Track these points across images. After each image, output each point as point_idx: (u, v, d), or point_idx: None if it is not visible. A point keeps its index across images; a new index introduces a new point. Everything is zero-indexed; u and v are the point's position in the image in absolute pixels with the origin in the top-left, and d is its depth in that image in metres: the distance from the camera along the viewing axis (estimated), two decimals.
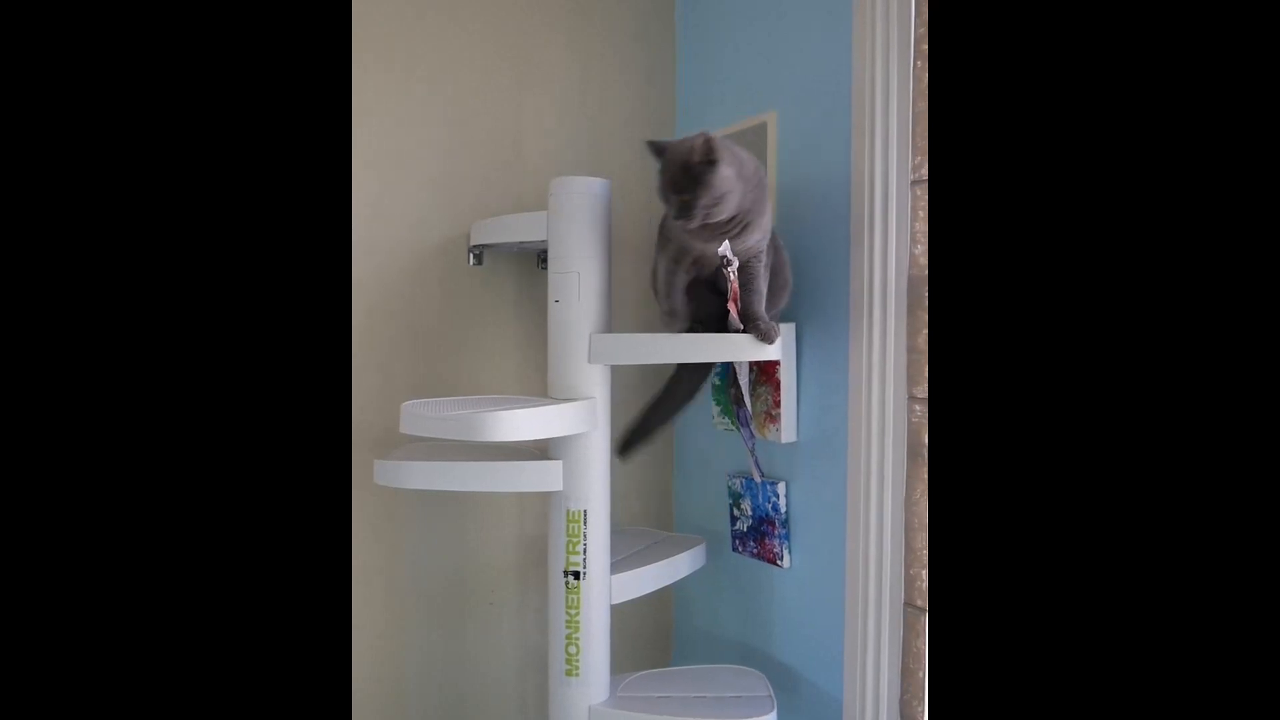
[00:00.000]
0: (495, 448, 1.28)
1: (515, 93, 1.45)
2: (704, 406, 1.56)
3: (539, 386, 1.33)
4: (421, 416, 1.05)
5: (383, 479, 1.16)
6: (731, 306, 1.14)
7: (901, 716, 1.18)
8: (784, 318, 1.34)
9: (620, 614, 1.28)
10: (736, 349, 1.10)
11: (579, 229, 1.15)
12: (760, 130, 1.38)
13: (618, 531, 1.32)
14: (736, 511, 1.45)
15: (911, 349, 1.14)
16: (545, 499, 1.52)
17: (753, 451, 1.33)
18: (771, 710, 1.19)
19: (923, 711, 1.16)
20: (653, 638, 1.68)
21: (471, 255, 1.40)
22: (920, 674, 1.16)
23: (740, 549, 1.45)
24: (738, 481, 1.44)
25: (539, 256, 1.45)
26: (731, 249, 1.03)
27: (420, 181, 1.36)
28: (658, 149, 1.05)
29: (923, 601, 1.15)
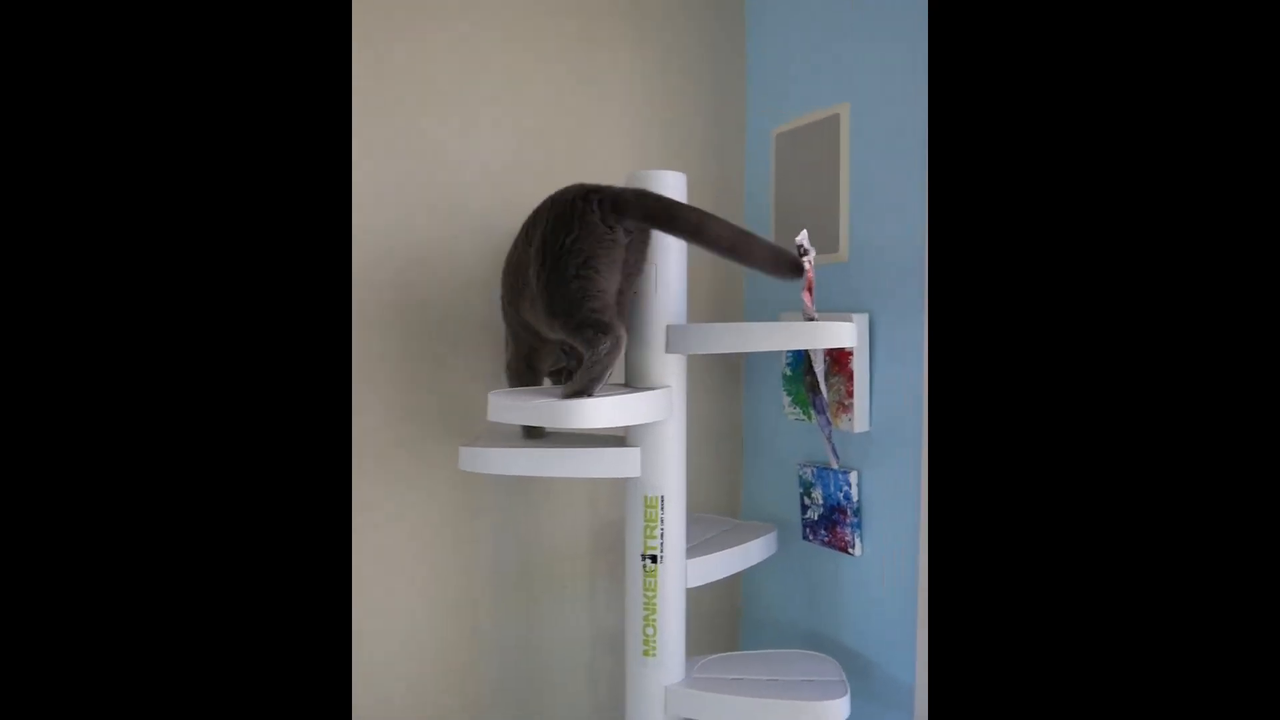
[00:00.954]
0: (569, 435, 1.32)
1: (583, 87, 1.48)
2: (775, 396, 1.58)
3: (614, 376, 1.37)
4: (508, 405, 1.08)
5: (467, 465, 1.21)
6: (806, 296, 1.16)
7: None
8: (856, 308, 1.35)
9: (689, 600, 1.31)
10: (814, 337, 1.12)
11: None
12: (832, 122, 1.39)
13: (689, 518, 1.35)
14: (807, 500, 1.47)
15: None
16: (618, 486, 1.56)
17: (829, 439, 1.34)
18: (845, 694, 1.21)
19: None
20: (720, 623, 1.71)
21: None
22: None
23: (810, 537, 1.47)
24: (809, 470, 1.45)
25: None
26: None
27: (491, 178, 1.40)
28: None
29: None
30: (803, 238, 1.06)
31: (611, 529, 1.56)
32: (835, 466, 1.38)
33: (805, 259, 1.07)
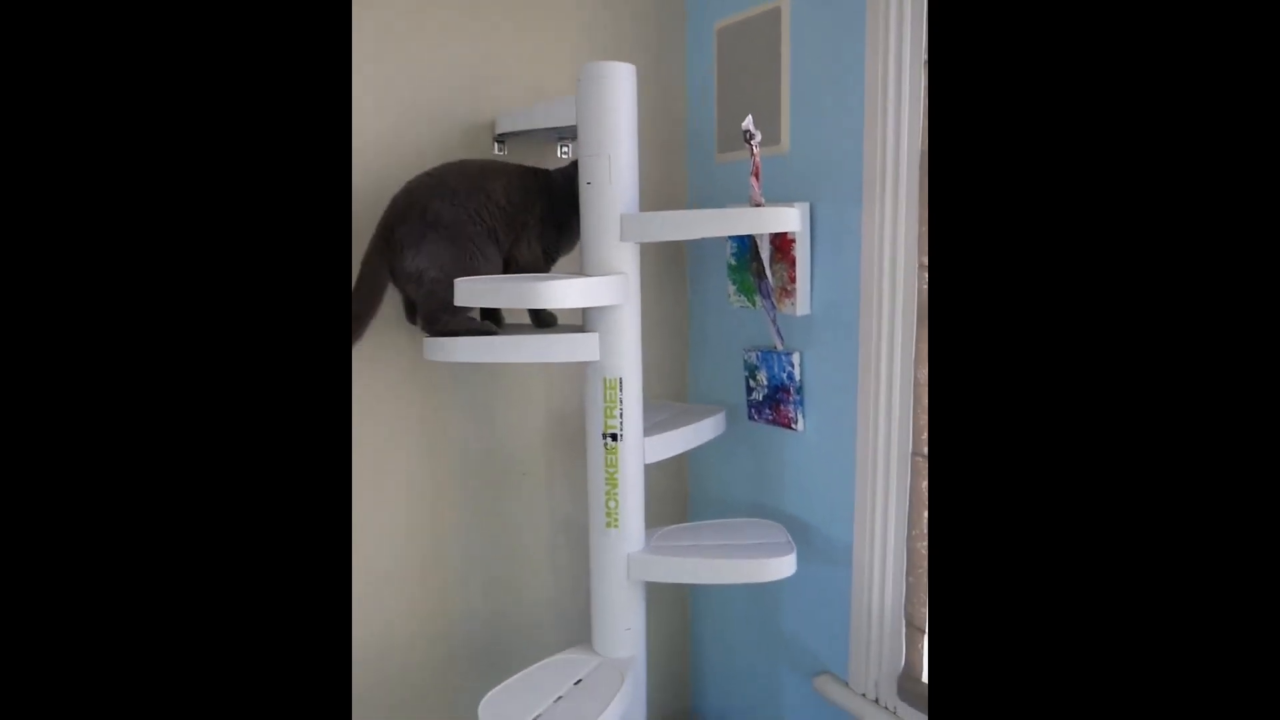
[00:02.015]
0: (528, 325, 1.37)
1: None
2: (720, 285, 1.65)
3: (568, 268, 1.41)
4: (476, 290, 1.13)
5: (433, 355, 1.25)
6: (754, 181, 1.22)
7: (909, 552, 1.32)
8: (799, 198, 1.42)
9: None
10: (762, 222, 1.19)
11: (610, 113, 1.21)
12: (773, 15, 1.43)
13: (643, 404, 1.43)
14: (752, 383, 1.56)
15: (922, 220, 1.23)
16: (571, 378, 1.63)
17: (774, 321, 1.43)
18: (791, 553, 1.33)
19: (926, 547, 1.30)
20: (670, 501, 1.82)
21: (496, 144, 1.46)
22: (925, 513, 1.30)
23: (756, 417, 1.57)
24: (753, 354, 1.54)
25: (559, 141, 1.52)
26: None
27: (445, 78, 1.40)
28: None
29: (927, 450, 1.28)
30: (748, 123, 1.11)
31: (567, 418, 1.63)
32: (780, 348, 1.47)
33: (751, 143, 1.12)
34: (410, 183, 1.25)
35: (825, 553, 1.47)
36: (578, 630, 1.70)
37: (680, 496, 1.85)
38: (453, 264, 1.22)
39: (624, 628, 1.35)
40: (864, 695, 1.41)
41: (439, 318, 1.24)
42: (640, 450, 1.33)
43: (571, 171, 1.32)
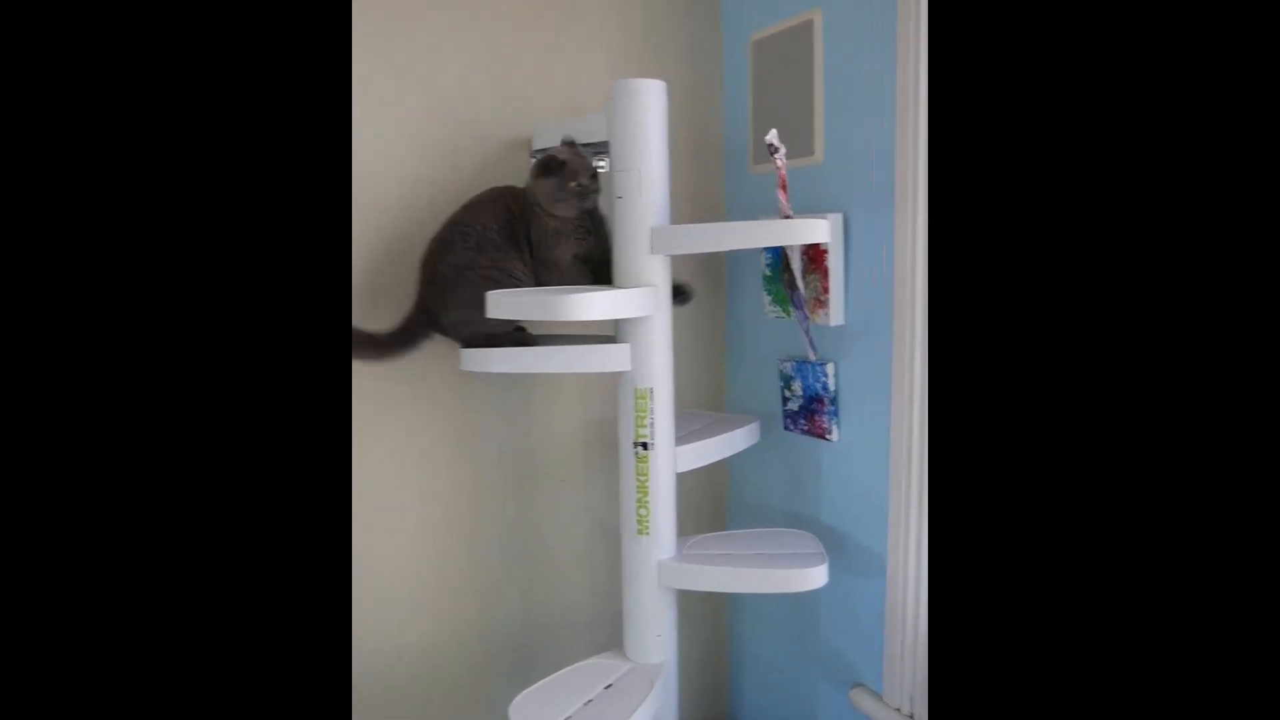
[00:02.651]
0: (561, 336, 1.40)
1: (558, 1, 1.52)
2: (756, 296, 1.66)
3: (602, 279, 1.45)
4: (507, 302, 1.16)
5: (469, 365, 1.29)
6: (780, 194, 1.23)
7: None
8: (832, 209, 1.42)
9: (680, 489, 1.40)
10: (790, 234, 1.20)
11: (640, 129, 1.23)
12: (806, 28, 1.43)
13: (678, 413, 1.44)
14: (788, 393, 1.57)
15: None
16: (606, 387, 1.65)
17: (807, 332, 1.43)
18: (823, 563, 1.33)
19: None
20: (710, 509, 1.83)
21: (533, 158, 1.49)
22: None
23: (791, 427, 1.57)
24: (788, 365, 1.55)
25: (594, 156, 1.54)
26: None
27: (471, 96, 1.45)
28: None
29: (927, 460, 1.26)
30: (772, 136, 1.12)
31: (602, 426, 1.66)
32: (813, 359, 1.47)
33: (776, 156, 1.13)
34: (424, 253, 1.34)
35: (861, 563, 1.46)
36: (611, 635, 1.72)
37: (719, 504, 1.86)
38: (475, 298, 1.27)
39: (655, 634, 1.37)
40: (898, 709, 1.40)
41: (475, 337, 1.32)
42: (671, 459, 1.35)
43: (528, 186, 1.34)
